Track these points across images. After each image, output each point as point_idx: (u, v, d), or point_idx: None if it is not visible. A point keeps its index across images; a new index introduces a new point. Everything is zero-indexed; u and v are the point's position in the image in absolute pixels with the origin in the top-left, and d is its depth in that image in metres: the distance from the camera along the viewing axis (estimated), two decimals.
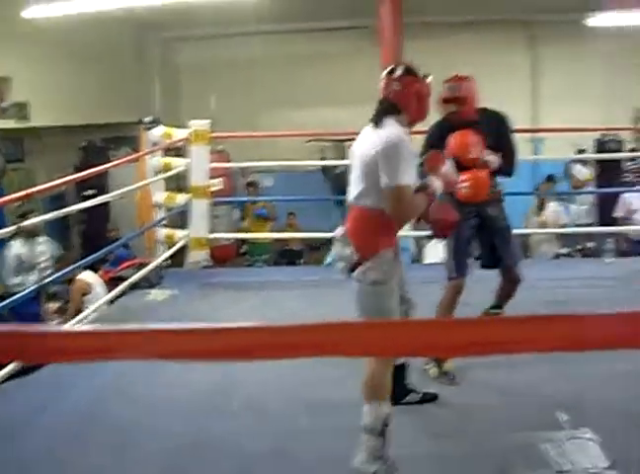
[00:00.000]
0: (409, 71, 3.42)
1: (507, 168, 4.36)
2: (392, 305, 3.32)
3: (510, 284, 4.48)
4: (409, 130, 3.43)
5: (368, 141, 3.34)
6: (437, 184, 3.41)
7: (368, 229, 3.35)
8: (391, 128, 3.29)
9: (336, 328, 1.28)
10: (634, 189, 9.08)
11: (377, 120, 3.35)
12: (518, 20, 12.49)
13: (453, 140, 4.20)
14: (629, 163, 10.38)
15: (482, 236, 4.47)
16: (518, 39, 12.84)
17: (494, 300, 4.59)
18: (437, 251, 8.09)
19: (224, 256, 9.48)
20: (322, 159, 12.24)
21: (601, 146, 10.63)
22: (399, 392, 3.73)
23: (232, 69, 12.52)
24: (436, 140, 4.23)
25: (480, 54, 12.31)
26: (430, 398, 3.98)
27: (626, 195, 8.73)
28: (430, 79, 3.47)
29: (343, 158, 12.57)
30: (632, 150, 10.85)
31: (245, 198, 10.65)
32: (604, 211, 9.85)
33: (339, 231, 3.44)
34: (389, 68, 3.46)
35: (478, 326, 1.36)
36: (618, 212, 8.67)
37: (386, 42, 8.24)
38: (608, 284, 6.31)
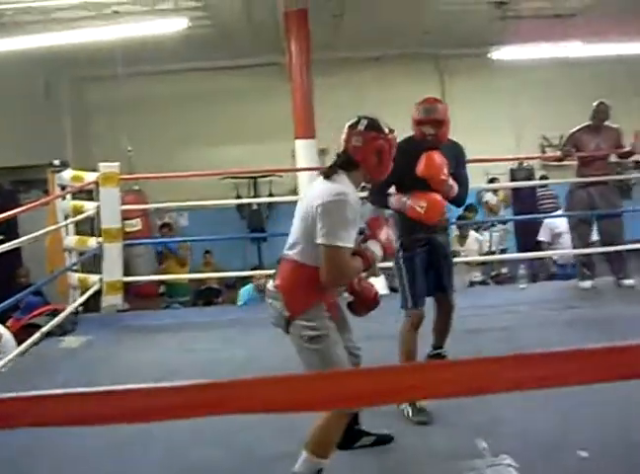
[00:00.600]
0: (372, 126, 3.26)
1: (459, 197, 4.37)
2: (339, 357, 3.17)
3: (445, 313, 4.50)
4: (361, 186, 3.37)
5: (314, 193, 3.18)
6: (376, 249, 3.25)
7: (299, 284, 3.20)
8: (339, 184, 3.14)
9: (227, 386, 1.27)
10: (551, 215, 9.24)
11: (329, 173, 3.21)
12: (426, 54, 12.79)
13: (427, 160, 4.15)
14: (541, 189, 10.68)
15: (430, 264, 4.41)
16: (427, 72, 13.14)
17: (434, 340, 4.58)
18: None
19: (145, 294, 9.34)
20: (237, 196, 12.28)
21: (515, 175, 10.96)
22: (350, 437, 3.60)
23: (145, 108, 12.46)
24: (403, 160, 3.99)
25: (390, 88, 12.54)
26: (386, 439, 3.81)
27: (550, 219, 8.93)
28: (395, 134, 3.33)
29: (257, 194, 12.66)
30: (542, 177, 11.17)
31: (160, 240, 10.51)
32: (521, 237, 10.13)
33: (270, 284, 3.29)
34: (352, 121, 3.30)
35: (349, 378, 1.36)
36: (543, 237, 8.85)
37: (296, 79, 8.30)
38: (522, 310, 6.46)
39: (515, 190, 10.95)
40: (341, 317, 3.40)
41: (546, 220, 8.97)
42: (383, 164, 3.28)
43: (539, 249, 8.86)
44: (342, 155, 3.28)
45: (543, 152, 12.90)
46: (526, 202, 10.50)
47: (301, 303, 3.16)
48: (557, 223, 8.59)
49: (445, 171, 4.15)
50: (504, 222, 10.91)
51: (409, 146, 4.18)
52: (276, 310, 3.22)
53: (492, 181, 11.85)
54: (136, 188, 8.74)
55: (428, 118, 4.19)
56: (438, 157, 4.15)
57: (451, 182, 4.21)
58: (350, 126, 3.28)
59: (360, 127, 3.24)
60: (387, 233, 3.34)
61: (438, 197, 4.19)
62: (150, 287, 9.85)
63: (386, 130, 3.28)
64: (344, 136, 3.28)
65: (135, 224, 8.27)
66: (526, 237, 9.56)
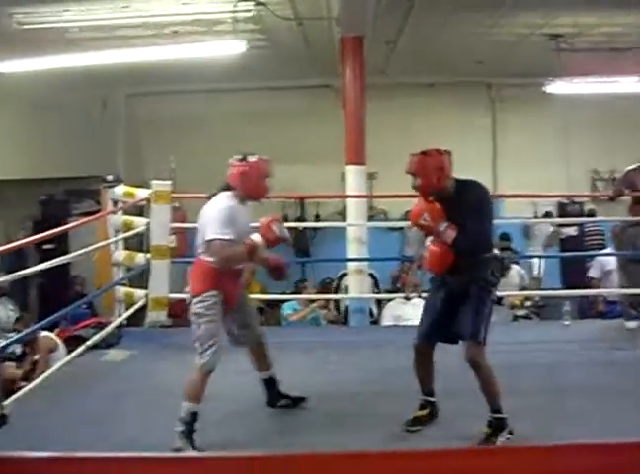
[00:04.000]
0: (241, 158, 4.44)
1: (458, 246, 4.28)
2: (212, 331, 4.30)
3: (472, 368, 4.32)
4: (244, 203, 4.46)
5: (205, 209, 4.40)
6: (257, 237, 4.29)
7: (196, 275, 4.44)
8: (218, 199, 4.37)
9: None
10: (601, 253, 9.09)
11: (212, 195, 4.46)
12: (479, 82, 12.76)
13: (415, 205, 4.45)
14: (588, 225, 10.59)
15: (451, 308, 4.41)
16: (478, 100, 13.08)
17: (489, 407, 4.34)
18: (394, 313, 8.14)
19: (177, 312, 9.35)
20: (284, 216, 12.31)
21: (564, 209, 10.87)
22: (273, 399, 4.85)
23: (197, 126, 12.57)
24: None
25: (440, 114, 12.54)
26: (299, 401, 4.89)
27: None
28: (262, 157, 4.48)
29: (304, 215, 12.70)
30: (590, 212, 11.08)
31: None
32: (567, 273, 10.03)
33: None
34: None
35: None
36: (593, 273, 8.71)
37: (349, 106, 8.35)
38: (565, 348, 6.40)
39: (562, 224, 10.89)
40: (243, 306, 4.64)
41: (598, 257, 8.86)
42: (249, 184, 4.43)
43: (590, 285, 8.76)
44: (226, 182, 4.48)
45: (594, 186, 12.80)
46: (575, 238, 10.44)
47: (195, 289, 4.38)
48: (608, 260, 8.47)
49: (426, 216, 4.31)
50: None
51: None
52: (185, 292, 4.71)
53: (547, 215, 11.82)
54: (176, 205, 8.78)
55: (406, 171, 4.38)
56: (418, 204, 4.43)
57: (443, 228, 4.27)
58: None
59: (232, 160, 4.47)
60: (269, 227, 4.36)
61: (437, 248, 4.37)
62: (179, 306, 9.78)
63: (251, 159, 4.44)
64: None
65: (171, 241, 8.32)
66: (572, 272, 9.50)
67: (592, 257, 9.33)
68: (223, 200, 4.36)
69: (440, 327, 4.48)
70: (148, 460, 1.35)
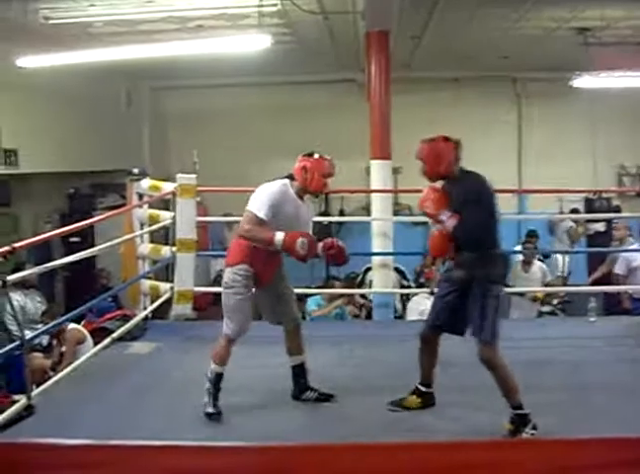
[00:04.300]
0: (308, 154, 4.68)
1: (461, 236, 4.31)
2: (238, 304, 4.61)
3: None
4: (301, 195, 4.67)
5: (258, 188, 4.62)
6: (280, 235, 4.42)
7: (233, 247, 4.72)
8: (274, 182, 4.62)
9: None
10: (628, 249, 9.00)
11: (273, 179, 4.65)
12: (504, 76, 12.70)
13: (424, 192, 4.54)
14: (617, 220, 10.51)
15: (455, 301, 4.50)
16: (504, 95, 13.04)
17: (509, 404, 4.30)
18: (418, 308, 8.12)
19: (202, 305, 9.40)
20: None
21: (591, 204, 10.79)
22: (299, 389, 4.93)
23: (221, 119, 12.63)
24: None
25: (466, 109, 12.50)
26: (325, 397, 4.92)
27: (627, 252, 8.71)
28: (326, 157, 4.65)
29: (328, 209, 12.71)
30: (616, 208, 10.99)
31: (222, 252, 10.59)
32: (593, 269, 9.92)
33: None
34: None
35: None
36: (619, 270, 8.64)
37: (375, 100, 8.34)
38: (594, 345, 6.35)
39: (590, 220, 10.82)
40: (278, 287, 4.85)
41: (623, 253, 8.76)
42: (308, 178, 4.61)
43: (616, 281, 8.67)
44: (290, 173, 4.71)
45: (620, 181, 12.71)
46: (602, 234, 10.35)
47: (229, 260, 4.70)
48: (634, 256, 8.38)
49: (428, 204, 4.41)
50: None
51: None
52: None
53: (573, 211, 11.74)
54: (198, 199, 8.82)
55: (416, 157, 4.52)
56: (426, 190, 4.50)
57: (443, 217, 4.32)
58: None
59: (300, 155, 4.67)
60: (295, 238, 4.46)
61: (438, 234, 4.48)
62: (206, 298, 9.86)
63: (316, 156, 4.65)
64: None
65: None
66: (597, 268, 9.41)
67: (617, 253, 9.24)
68: (276, 185, 4.61)
69: (446, 319, 4.55)
70: (174, 449, 1.37)
